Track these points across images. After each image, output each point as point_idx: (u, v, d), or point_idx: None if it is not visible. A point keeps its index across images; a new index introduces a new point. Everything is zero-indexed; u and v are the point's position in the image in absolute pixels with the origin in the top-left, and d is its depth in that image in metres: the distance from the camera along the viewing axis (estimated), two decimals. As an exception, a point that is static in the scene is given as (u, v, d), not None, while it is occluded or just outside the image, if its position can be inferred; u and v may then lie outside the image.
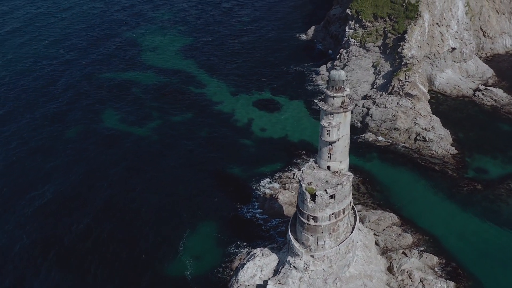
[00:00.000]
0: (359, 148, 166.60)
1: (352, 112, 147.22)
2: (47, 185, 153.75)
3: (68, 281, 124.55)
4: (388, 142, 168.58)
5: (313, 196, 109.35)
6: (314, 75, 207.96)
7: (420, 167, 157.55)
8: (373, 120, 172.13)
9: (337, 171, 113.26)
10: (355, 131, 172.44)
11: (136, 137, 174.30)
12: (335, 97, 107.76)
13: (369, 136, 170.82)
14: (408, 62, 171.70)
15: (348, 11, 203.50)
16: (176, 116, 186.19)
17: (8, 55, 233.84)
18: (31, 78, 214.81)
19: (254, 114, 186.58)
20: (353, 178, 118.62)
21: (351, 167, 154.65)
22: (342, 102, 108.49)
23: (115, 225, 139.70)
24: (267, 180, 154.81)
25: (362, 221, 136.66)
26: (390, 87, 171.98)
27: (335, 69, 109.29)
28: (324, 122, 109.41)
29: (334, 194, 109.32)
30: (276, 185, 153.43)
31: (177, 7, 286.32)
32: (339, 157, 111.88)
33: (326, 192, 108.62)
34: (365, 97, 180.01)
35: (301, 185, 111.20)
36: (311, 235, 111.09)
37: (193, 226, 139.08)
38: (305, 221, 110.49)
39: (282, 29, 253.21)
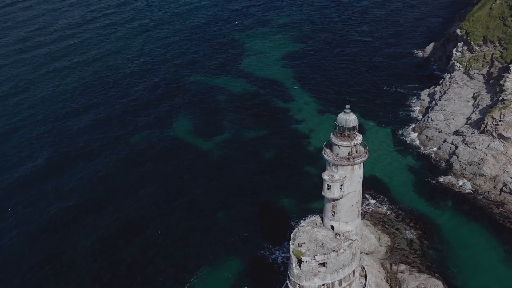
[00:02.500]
0: (434, 192, 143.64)
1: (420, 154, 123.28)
2: (77, 190, 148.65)
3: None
4: (469, 189, 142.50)
5: (300, 261, 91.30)
6: (414, 100, 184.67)
7: (498, 227, 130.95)
8: (458, 160, 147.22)
9: (341, 233, 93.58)
10: (436, 171, 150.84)
11: (197, 152, 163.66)
12: (341, 146, 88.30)
13: (449, 179, 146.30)
14: (505, 98, 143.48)
15: (458, 31, 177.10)
16: (249, 132, 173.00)
17: (115, 48, 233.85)
18: (120, 75, 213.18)
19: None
20: (411, 231, 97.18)
21: (415, 214, 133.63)
22: (350, 153, 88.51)
23: (131, 243, 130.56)
24: (304, 215, 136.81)
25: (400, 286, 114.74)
26: (483, 125, 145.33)
27: (344, 111, 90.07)
28: (325, 175, 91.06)
29: (326, 263, 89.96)
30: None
31: (299, 11, 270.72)
32: (344, 217, 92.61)
33: (315, 259, 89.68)
34: (456, 133, 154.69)
35: (290, 245, 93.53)
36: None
37: (210, 260, 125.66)
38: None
39: (398, 43, 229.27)
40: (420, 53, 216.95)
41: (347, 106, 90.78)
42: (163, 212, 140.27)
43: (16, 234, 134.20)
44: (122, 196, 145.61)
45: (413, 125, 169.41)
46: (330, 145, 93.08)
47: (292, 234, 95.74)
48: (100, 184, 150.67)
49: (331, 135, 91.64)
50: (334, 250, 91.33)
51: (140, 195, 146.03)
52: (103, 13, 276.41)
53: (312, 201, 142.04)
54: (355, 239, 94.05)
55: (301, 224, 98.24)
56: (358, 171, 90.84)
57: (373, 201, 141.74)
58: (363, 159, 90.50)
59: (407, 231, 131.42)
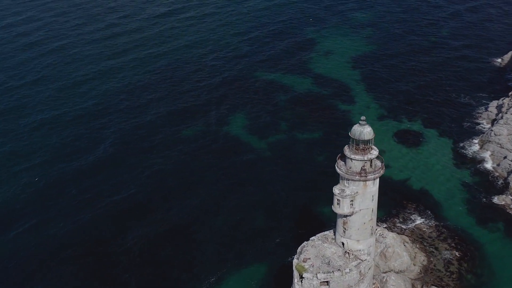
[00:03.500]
0: (485, 212, 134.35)
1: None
2: (133, 183, 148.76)
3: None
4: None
5: (302, 277, 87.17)
6: (481, 111, 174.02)
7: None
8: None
9: (351, 252, 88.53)
10: (491, 189, 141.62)
11: (248, 150, 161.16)
12: (353, 159, 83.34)
13: (503, 199, 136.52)
14: None
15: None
16: (304, 134, 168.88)
17: (184, 41, 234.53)
18: (188, 69, 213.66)
19: (387, 145, 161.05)
20: (451, 252, 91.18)
21: (459, 234, 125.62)
22: (362, 168, 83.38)
23: (157, 239, 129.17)
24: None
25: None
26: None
27: (359, 123, 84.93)
28: (335, 189, 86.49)
29: (328, 281, 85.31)
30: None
31: (383, 11, 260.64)
32: (356, 235, 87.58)
33: (317, 277, 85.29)
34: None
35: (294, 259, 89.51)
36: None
37: (236, 264, 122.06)
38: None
39: (477, 48, 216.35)
40: (498, 61, 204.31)
41: (363, 117, 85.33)
42: (210, 211, 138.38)
43: (68, 223, 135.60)
44: (175, 194, 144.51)
45: (476, 138, 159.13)
46: (344, 157, 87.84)
47: (299, 248, 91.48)
48: (156, 180, 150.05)
49: (345, 147, 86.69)
50: (338, 269, 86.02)
51: (191, 194, 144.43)
52: (185, 5, 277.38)
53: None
54: (365, 259, 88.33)
55: (312, 238, 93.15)
56: (371, 188, 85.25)
57: (418, 217, 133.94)
58: (377, 175, 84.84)
59: (447, 251, 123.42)
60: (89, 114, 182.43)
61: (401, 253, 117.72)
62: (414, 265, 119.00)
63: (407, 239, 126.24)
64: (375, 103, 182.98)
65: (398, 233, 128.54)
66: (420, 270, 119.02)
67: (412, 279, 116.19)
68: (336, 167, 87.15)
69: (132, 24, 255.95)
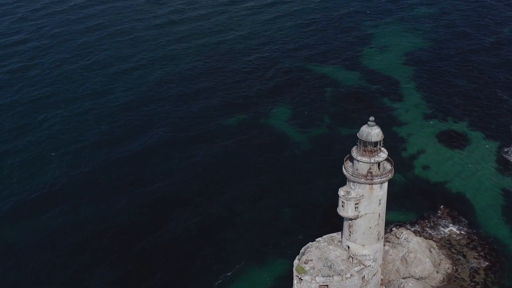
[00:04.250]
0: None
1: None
2: (164, 173, 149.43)
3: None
4: None
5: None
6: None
7: None
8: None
9: (355, 256, 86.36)
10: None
11: (290, 145, 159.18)
12: (360, 161, 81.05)
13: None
14: None
15: None
16: (345, 128, 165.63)
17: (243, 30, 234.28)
18: (241, 60, 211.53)
19: (429, 146, 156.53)
20: (479, 261, 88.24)
21: (490, 243, 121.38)
22: (369, 170, 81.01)
23: (188, 230, 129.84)
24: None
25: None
26: None
27: (368, 124, 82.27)
28: (341, 190, 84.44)
29: (328, 286, 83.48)
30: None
31: (450, 7, 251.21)
32: (361, 240, 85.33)
33: (315, 280, 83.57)
34: None
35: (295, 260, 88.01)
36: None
37: (259, 258, 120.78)
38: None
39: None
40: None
41: (371, 118, 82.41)
42: (243, 205, 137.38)
43: (102, 208, 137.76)
44: (212, 186, 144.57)
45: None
46: (352, 159, 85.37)
47: (303, 248, 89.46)
48: (195, 171, 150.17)
49: (353, 149, 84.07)
50: (339, 274, 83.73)
51: (228, 188, 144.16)
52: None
53: (394, 213, 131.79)
54: (369, 265, 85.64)
55: (318, 239, 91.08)
56: (377, 192, 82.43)
57: (450, 222, 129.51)
58: (384, 179, 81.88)
59: (475, 260, 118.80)
60: (139, 100, 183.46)
61: (423, 259, 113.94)
62: (437, 272, 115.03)
63: (434, 244, 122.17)
64: (423, 102, 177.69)
65: (425, 238, 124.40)
66: (443, 278, 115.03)
67: (433, 287, 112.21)
68: (343, 168, 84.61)
69: (191, 12, 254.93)
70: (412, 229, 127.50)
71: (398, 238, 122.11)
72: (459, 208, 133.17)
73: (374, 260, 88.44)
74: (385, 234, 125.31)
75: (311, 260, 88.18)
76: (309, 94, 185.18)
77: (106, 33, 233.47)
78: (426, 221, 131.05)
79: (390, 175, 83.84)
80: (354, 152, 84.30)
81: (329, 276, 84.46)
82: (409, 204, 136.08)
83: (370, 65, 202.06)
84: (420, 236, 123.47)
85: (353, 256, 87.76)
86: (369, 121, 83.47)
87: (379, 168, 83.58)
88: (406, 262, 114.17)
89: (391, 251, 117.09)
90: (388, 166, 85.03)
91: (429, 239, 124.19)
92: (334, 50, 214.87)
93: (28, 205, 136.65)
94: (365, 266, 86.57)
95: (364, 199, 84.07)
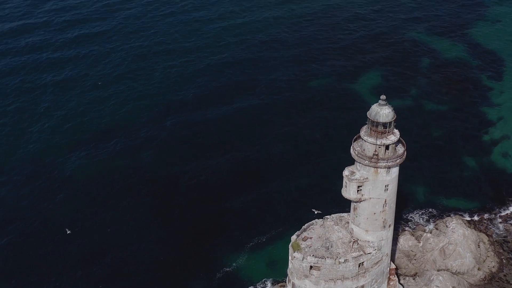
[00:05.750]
0: None
1: None
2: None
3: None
4: None
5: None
6: None
7: None
8: None
9: (358, 241, 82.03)
10: None
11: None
12: (366, 141, 76.20)
13: None
14: None
15: None
16: (431, 104, 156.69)
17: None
18: (336, 18, 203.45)
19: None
20: None
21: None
22: (375, 153, 75.98)
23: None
24: (425, 211, 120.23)
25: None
26: None
27: (379, 103, 76.43)
28: (346, 170, 79.73)
29: (319, 267, 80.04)
30: (429, 225, 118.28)
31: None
32: (364, 225, 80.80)
33: (307, 259, 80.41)
34: None
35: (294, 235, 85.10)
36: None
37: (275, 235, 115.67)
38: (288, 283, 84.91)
39: None
40: None
41: (382, 96, 76.03)
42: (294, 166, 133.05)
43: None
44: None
45: None
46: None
47: (306, 225, 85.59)
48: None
49: (363, 127, 78.24)
50: (331, 258, 79.45)
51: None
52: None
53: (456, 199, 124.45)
54: (369, 253, 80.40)
55: (326, 217, 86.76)
56: (383, 176, 76.53)
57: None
58: (390, 163, 75.68)
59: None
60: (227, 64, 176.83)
61: (463, 254, 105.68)
62: (479, 269, 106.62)
63: (485, 239, 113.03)
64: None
65: (479, 231, 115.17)
66: (485, 276, 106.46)
67: (471, 284, 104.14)
68: (351, 147, 79.06)
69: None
70: (469, 219, 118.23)
71: (447, 227, 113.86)
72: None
73: (378, 249, 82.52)
74: (436, 220, 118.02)
75: (310, 238, 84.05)
76: (400, 61, 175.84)
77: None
78: (487, 213, 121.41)
79: (399, 161, 77.08)
80: (363, 131, 78.31)
81: (322, 257, 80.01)
82: (475, 192, 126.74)
83: (476, 37, 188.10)
84: (473, 228, 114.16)
85: (355, 240, 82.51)
86: (380, 99, 76.86)
87: (387, 151, 77.07)
88: (444, 253, 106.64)
89: (431, 239, 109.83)
90: (400, 151, 78.22)
91: (483, 232, 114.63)
92: (438, 17, 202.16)
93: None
94: (364, 253, 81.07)
95: (368, 182, 78.21)
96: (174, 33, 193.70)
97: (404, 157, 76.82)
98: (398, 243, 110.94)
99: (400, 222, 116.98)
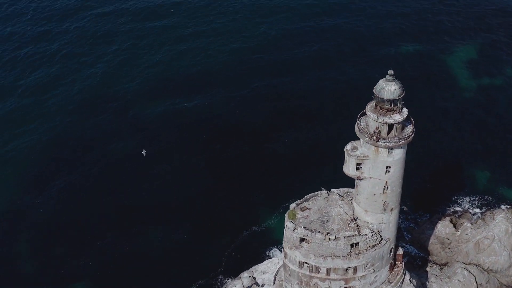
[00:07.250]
0: None
1: None
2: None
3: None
4: None
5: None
6: None
7: None
8: None
9: (357, 219, 79.13)
10: None
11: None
12: (369, 117, 72.75)
13: None
14: None
15: None
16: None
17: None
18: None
19: None
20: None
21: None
22: (376, 130, 72.30)
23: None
24: (479, 198, 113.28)
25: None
26: None
27: (386, 78, 72.03)
28: (349, 144, 76.63)
29: (309, 240, 78.22)
30: (476, 214, 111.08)
31: None
32: (364, 204, 77.77)
33: (297, 229, 78.74)
34: None
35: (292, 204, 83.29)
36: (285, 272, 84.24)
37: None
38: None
39: None
40: None
41: (390, 71, 70.71)
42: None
43: None
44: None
45: None
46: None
47: (309, 195, 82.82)
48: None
49: (370, 102, 73.82)
50: (322, 233, 76.82)
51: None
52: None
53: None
54: (364, 234, 76.79)
55: (333, 190, 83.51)
56: (384, 157, 72.04)
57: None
58: (391, 144, 70.94)
59: None
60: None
61: (499, 251, 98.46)
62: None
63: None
64: None
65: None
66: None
67: (503, 284, 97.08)
68: (357, 121, 74.82)
69: None
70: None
71: (494, 219, 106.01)
72: None
73: (377, 232, 78.16)
74: (487, 210, 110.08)
75: (309, 209, 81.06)
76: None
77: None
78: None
79: (402, 142, 71.53)
80: (368, 106, 73.54)
81: (313, 231, 77.24)
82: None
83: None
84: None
85: (353, 219, 78.63)
86: (388, 74, 71.30)
87: (390, 131, 71.92)
88: (479, 247, 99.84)
89: (469, 230, 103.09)
90: (407, 131, 72.74)
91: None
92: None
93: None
94: (359, 233, 77.11)
95: (368, 160, 73.54)
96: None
97: (410, 139, 71.29)
98: (435, 228, 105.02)
99: (445, 206, 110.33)
